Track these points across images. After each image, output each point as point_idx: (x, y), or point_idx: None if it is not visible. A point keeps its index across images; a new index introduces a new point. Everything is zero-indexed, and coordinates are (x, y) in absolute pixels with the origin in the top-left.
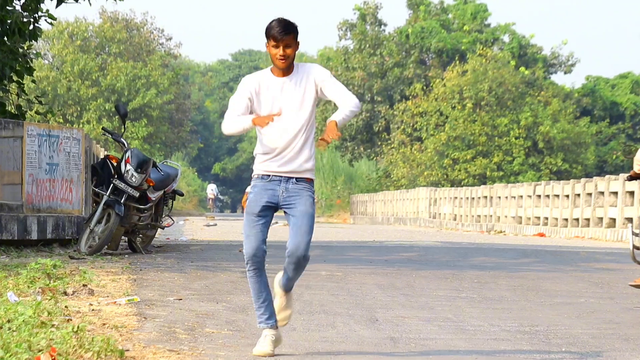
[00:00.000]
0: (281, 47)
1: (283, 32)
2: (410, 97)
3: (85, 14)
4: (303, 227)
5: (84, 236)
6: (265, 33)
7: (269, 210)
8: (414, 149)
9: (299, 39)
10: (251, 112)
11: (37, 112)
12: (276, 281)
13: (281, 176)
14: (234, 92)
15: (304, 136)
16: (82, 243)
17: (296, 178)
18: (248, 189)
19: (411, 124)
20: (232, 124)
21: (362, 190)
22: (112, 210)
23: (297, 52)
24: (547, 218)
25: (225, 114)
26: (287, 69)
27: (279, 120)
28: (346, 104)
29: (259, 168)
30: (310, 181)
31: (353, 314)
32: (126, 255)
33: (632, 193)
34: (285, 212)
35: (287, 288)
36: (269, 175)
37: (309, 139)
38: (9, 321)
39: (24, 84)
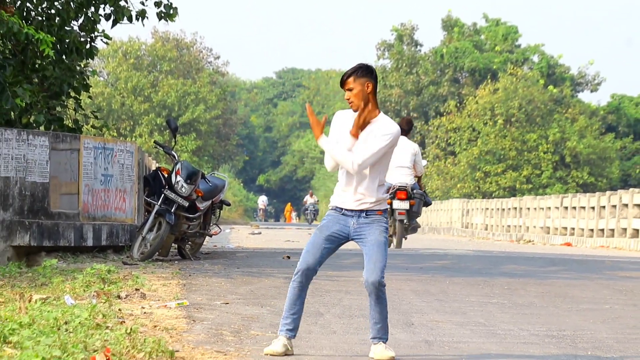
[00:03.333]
0: (347, 93)
1: (343, 76)
2: (445, 114)
3: (139, 33)
4: (375, 254)
5: (137, 243)
6: None
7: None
8: (448, 163)
9: (366, 78)
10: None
11: (92, 126)
12: (373, 349)
13: (353, 210)
14: (278, 108)
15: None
16: (135, 250)
17: (366, 212)
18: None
19: (445, 139)
20: (326, 158)
21: None
22: (163, 219)
23: (367, 89)
24: (573, 228)
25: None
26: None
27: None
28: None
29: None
30: (381, 213)
31: (390, 318)
32: (176, 262)
33: None
34: (357, 243)
35: (382, 335)
36: (341, 209)
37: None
38: (66, 323)
39: (80, 100)
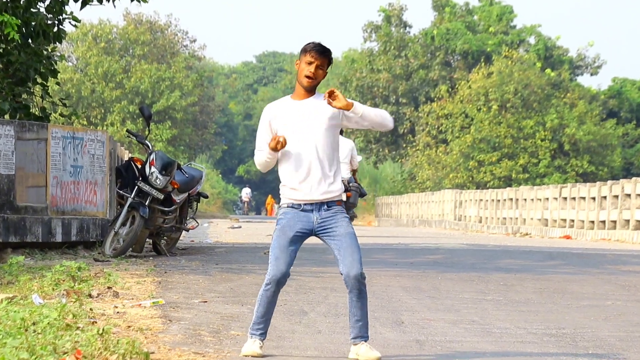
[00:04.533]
0: (314, 66)
1: (322, 52)
2: (436, 99)
3: (109, 16)
4: (351, 247)
5: (109, 238)
6: (302, 50)
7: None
8: (439, 151)
9: (327, 71)
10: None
11: (61, 115)
12: (354, 350)
13: (311, 204)
14: (259, 94)
15: (327, 158)
16: (107, 245)
17: (327, 203)
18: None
19: (436, 126)
20: (258, 159)
21: (386, 193)
22: (137, 212)
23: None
24: (573, 220)
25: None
26: (309, 92)
27: (298, 142)
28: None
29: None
30: (340, 203)
31: (379, 316)
32: (151, 258)
33: None
34: (321, 238)
35: (364, 334)
36: (300, 205)
37: (333, 161)
38: (34, 324)
39: (48, 86)
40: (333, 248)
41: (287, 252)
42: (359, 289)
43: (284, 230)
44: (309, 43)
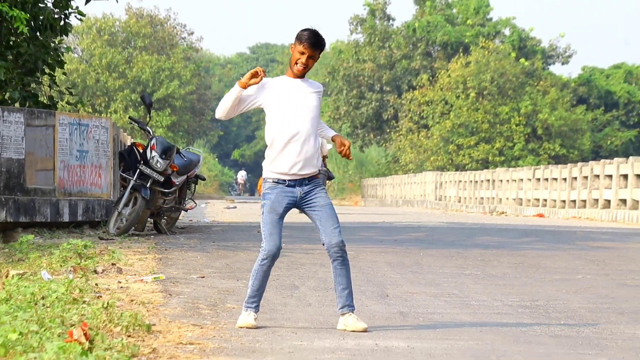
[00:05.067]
0: (306, 56)
1: (315, 44)
2: (417, 87)
3: (112, 10)
4: (331, 217)
5: (112, 218)
6: (297, 36)
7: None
8: (421, 136)
9: (319, 56)
10: (262, 107)
11: (67, 103)
12: (342, 320)
13: (295, 179)
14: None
15: (312, 136)
16: (111, 225)
17: (309, 178)
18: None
19: (418, 112)
20: (222, 100)
21: (372, 175)
22: (139, 194)
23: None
24: (546, 200)
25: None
26: (300, 77)
27: (288, 117)
28: (329, 130)
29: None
30: (318, 176)
31: (365, 290)
32: (152, 236)
33: (625, 176)
34: (303, 210)
35: (350, 302)
36: (285, 180)
37: (316, 139)
38: (43, 298)
39: (55, 76)
40: (315, 218)
41: (279, 227)
42: (342, 256)
43: (274, 206)
44: (305, 31)
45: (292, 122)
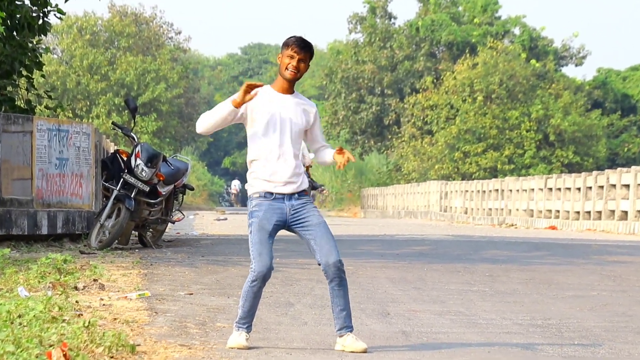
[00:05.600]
0: (296, 59)
1: (304, 47)
2: (421, 90)
3: (94, 8)
4: (326, 235)
5: (94, 231)
6: (284, 43)
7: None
8: (425, 143)
9: (309, 64)
10: (241, 122)
11: (46, 107)
12: (340, 341)
13: (284, 195)
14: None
15: (296, 153)
16: (93, 238)
17: (298, 193)
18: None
19: (421, 117)
20: (207, 114)
21: (372, 184)
22: (123, 204)
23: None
24: (558, 211)
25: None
26: (290, 87)
27: (274, 134)
28: (329, 151)
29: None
30: (307, 193)
31: (365, 307)
32: (136, 250)
33: None
34: (294, 230)
35: (349, 323)
36: (272, 194)
37: (299, 158)
38: (19, 316)
39: (33, 79)
40: (308, 239)
41: (268, 246)
42: (339, 277)
43: (262, 224)
44: (291, 37)
45: (277, 139)
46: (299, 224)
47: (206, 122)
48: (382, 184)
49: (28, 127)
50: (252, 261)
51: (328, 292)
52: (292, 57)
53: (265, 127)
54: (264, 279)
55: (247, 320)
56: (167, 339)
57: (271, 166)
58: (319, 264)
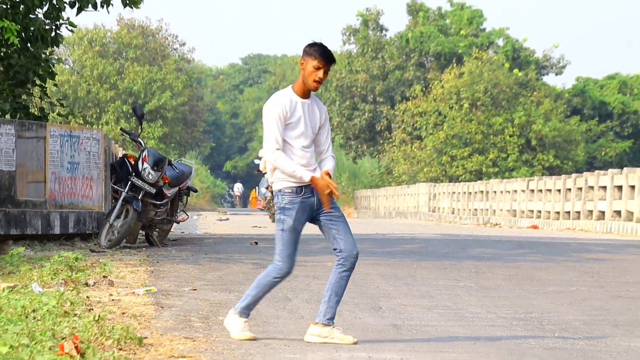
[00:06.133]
0: (322, 71)
1: (329, 59)
2: (411, 98)
3: (104, 21)
4: (348, 228)
5: (104, 230)
6: (311, 52)
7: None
8: (414, 147)
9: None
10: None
11: (58, 114)
12: (327, 331)
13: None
14: (245, 94)
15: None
16: (102, 237)
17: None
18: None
19: (411, 124)
20: (285, 164)
21: (365, 186)
22: (130, 206)
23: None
24: (540, 211)
25: (270, 143)
26: (309, 92)
27: (303, 139)
28: (332, 158)
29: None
30: None
31: (358, 302)
32: (143, 249)
33: (620, 187)
34: (319, 221)
35: (333, 315)
36: (302, 189)
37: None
38: (34, 311)
39: (46, 88)
40: (331, 228)
41: (297, 247)
42: (353, 267)
43: (295, 225)
44: (314, 46)
45: (305, 143)
46: (326, 215)
47: (277, 165)
48: (375, 186)
49: (42, 133)
50: (279, 259)
51: (324, 287)
52: (318, 68)
53: (295, 132)
54: (286, 277)
55: (251, 309)
56: (173, 332)
57: (305, 163)
58: (336, 250)
